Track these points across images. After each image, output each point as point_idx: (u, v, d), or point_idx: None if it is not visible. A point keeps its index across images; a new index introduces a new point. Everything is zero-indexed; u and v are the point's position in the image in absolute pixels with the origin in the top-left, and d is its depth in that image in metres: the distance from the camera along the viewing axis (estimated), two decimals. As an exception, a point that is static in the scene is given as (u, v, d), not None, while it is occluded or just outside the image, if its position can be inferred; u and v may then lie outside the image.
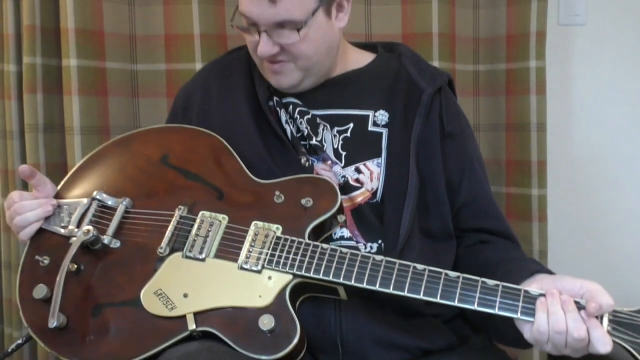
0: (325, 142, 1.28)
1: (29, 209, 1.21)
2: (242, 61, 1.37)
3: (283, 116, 1.30)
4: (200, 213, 1.18)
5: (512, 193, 1.90)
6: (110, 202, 1.22)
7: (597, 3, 2.00)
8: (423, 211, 1.25)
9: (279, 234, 1.14)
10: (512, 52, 1.86)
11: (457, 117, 1.35)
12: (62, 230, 1.21)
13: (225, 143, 1.26)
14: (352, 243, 1.21)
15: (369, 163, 1.27)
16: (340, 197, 1.17)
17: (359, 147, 1.28)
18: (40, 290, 1.15)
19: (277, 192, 1.18)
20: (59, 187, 1.28)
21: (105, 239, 1.17)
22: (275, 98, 1.32)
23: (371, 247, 1.22)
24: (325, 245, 1.11)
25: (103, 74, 1.74)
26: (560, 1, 1.99)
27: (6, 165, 1.77)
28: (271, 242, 1.13)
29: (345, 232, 1.22)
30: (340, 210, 1.18)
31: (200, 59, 1.74)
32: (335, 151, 1.28)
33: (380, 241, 1.22)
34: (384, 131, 1.29)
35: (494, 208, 1.34)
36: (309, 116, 1.29)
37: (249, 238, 1.14)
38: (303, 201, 1.16)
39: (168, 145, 1.29)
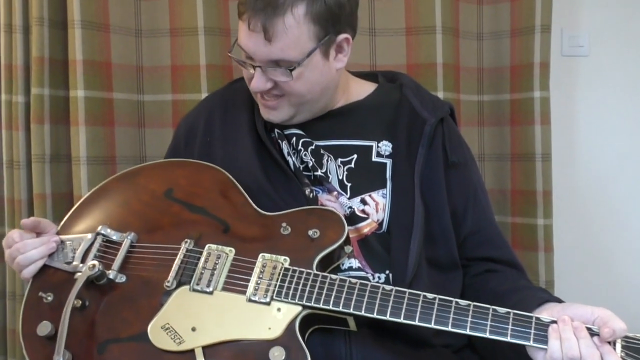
0: (330, 173, 1.28)
1: (32, 247, 1.19)
2: (244, 92, 1.36)
3: (285, 148, 1.30)
4: (207, 246, 1.17)
5: (517, 223, 1.90)
6: (115, 236, 1.21)
7: (599, 35, 2.02)
8: (429, 241, 1.25)
9: (287, 265, 1.13)
10: (516, 82, 1.88)
11: (460, 146, 1.36)
12: (67, 266, 1.19)
13: (230, 176, 1.26)
14: (361, 274, 1.20)
15: (374, 194, 1.27)
16: (347, 227, 1.16)
17: (363, 178, 1.28)
18: (44, 328, 1.13)
19: (283, 224, 1.18)
20: (62, 222, 1.27)
21: (111, 274, 1.15)
22: (276, 130, 1.32)
23: (379, 278, 1.21)
24: (334, 276, 1.10)
25: (110, 104, 1.76)
26: (563, 33, 2.01)
27: (13, 194, 1.77)
28: (279, 273, 1.12)
29: (354, 263, 1.21)
30: (347, 241, 1.17)
31: (206, 89, 1.76)
32: (341, 182, 1.28)
33: (388, 272, 1.22)
34: (388, 162, 1.29)
35: (499, 237, 1.35)
36: (313, 147, 1.29)
37: (256, 270, 1.13)
38: (310, 232, 1.16)
39: (172, 180, 1.29)
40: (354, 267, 1.21)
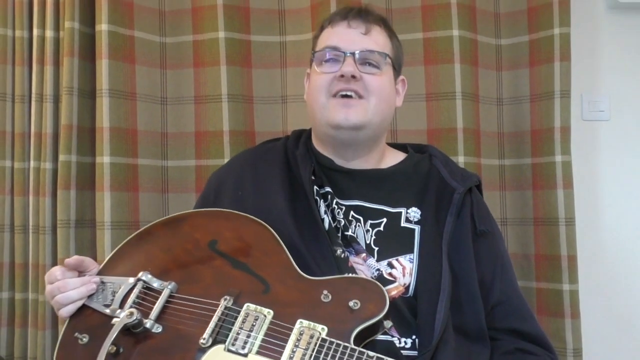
0: (358, 237, 1.29)
1: (72, 286, 1.20)
2: (278, 152, 1.41)
3: (322, 206, 1.31)
4: (246, 305, 1.16)
5: (542, 288, 1.86)
6: (155, 284, 1.21)
7: (620, 99, 2.03)
8: (456, 307, 1.24)
9: (324, 335, 1.11)
10: (537, 146, 1.88)
11: (488, 217, 1.38)
12: (105, 309, 1.19)
13: (275, 234, 1.25)
14: (387, 337, 1.19)
15: (401, 258, 1.27)
16: (388, 302, 1.14)
17: (391, 243, 1.29)
18: None
19: (325, 292, 1.16)
20: (105, 260, 1.28)
21: (148, 323, 1.15)
22: (315, 188, 1.33)
23: (405, 343, 1.20)
24: (371, 353, 1.08)
25: (135, 170, 1.79)
26: (583, 98, 2.02)
27: (37, 260, 1.79)
28: (316, 343, 1.10)
29: None
30: (387, 315, 1.15)
31: (229, 154, 1.79)
32: (368, 246, 1.28)
33: (414, 337, 1.20)
34: (417, 228, 1.31)
35: (527, 309, 1.33)
36: (345, 207, 1.31)
37: (293, 337, 1.11)
38: (351, 303, 1.13)
39: (217, 231, 1.28)
40: None
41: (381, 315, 1.13)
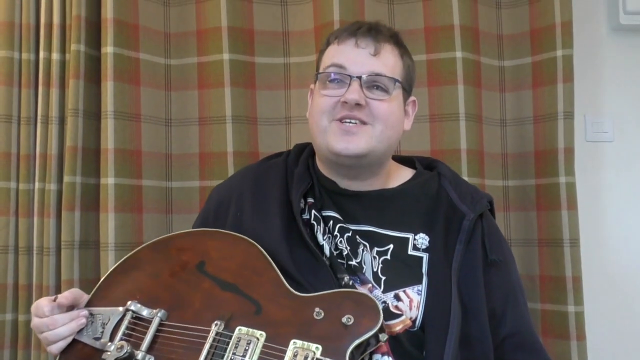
0: (365, 263, 1.25)
1: (61, 323, 1.18)
2: (278, 170, 1.36)
3: (320, 231, 1.27)
4: (237, 329, 1.14)
5: (547, 310, 1.85)
6: (144, 312, 1.19)
7: (623, 121, 2.04)
8: (465, 343, 1.19)
9: (318, 354, 1.09)
10: (541, 167, 1.87)
11: (500, 244, 1.32)
12: (95, 342, 1.18)
13: (263, 250, 1.23)
14: None
15: (408, 290, 1.23)
16: (382, 315, 1.11)
17: (398, 272, 1.24)
18: None
19: (317, 309, 1.13)
20: (93, 290, 1.26)
21: (139, 355, 1.14)
22: (313, 211, 1.29)
23: None
24: None
25: (139, 191, 1.80)
26: (587, 119, 2.02)
27: (41, 281, 1.79)
28: None
29: None
30: (382, 329, 1.13)
31: (233, 175, 1.79)
32: (375, 275, 1.24)
33: None
34: (425, 256, 1.26)
35: (537, 342, 1.29)
36: (349, 234, 1.26)
37: (287, 359, 1.09)
38: (344, 319, 1.11)
39: (205, 252, 1.26)
40: None
41: (376, 329, 1.10)
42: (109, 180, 1.74)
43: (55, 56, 1.82)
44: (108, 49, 1.76)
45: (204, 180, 1.84)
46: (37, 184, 1.82)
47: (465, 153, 1.81)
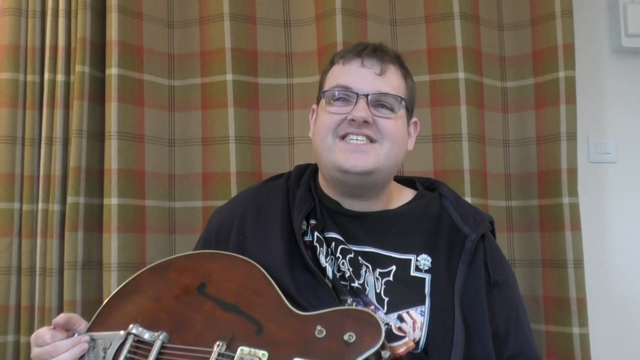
0: (367, 285, 1.25)
1: (64, 349, 1.18)
2: (279, 193, 1.37)
3: (322, 253, 1.27)
4: (240, 349, 1.13)
5: (551, 331, 1.84)
6: (146, 335, 1.19)
7: (626, 142, 2.04)
8: None
9: None
10: (544, 188, 1.87)
11: (502, 265, 1.32)
12: None
13: (263, 271, 1.23)
14: None
15: (412, 311, 1.22)
16: (383, 332, 1.10)
17: (401, 293, 1.24)
18: None
19: (318, 327, 1.13)
20: (95, 315, 1.26)
21: None
22: (316, 233, 1.29)
23: None
24: None
25: (142, 211, 1.80)
26: (589, 140, 2.03)
27: (44, 302, 1.78)
28: None
29: None
30: (384, 345, 1.12)
31: (236, 195, 1.78)
32: (378, 296, 1.24)
33: None
34: (427, 277, 1.26)
35: None
36: (352, 255, 1.26)
37: None
38: (346, 336, 1.10)
39: (205, 274, 1.26)
40: None
41: (377, 347, 1.10)
42: (112, 200, 1.74)
43: (60, 77, 1.83)
44: (112, 70, 1.77)
45: (207, 200, 1.84)
46: (40, 205, 1.82)
47: (468, 173, 1.81)
